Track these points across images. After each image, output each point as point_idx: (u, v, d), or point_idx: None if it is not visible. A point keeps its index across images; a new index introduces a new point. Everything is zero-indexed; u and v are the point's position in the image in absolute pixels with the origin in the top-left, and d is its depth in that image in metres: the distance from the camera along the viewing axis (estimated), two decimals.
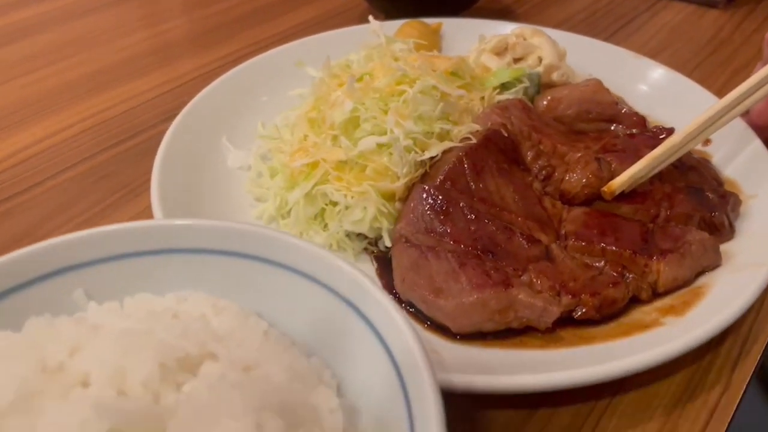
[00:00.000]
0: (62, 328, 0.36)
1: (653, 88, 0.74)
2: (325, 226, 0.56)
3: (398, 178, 0.54)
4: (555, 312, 0.46)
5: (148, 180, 0.59)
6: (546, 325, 0.46)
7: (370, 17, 0.71)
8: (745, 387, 0.48)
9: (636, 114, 0.66)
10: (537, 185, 0.57)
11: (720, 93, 0.64)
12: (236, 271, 0.42)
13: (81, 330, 0.35)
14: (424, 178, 0.55)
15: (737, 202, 0.56)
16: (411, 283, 0.49)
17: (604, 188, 0.55)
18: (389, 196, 0.54)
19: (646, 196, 0.56)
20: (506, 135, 0.58)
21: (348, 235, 0.55)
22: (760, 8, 1.04)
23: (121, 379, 0.32)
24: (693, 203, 0.55)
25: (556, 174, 0.57)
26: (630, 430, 0.45)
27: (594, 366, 0.42)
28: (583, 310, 0.47)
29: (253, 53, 0.79)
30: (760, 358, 0.50)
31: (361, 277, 0.38)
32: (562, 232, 0.53)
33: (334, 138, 0.58)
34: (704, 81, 0.75)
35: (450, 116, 0.59)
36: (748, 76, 0.58)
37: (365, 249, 0.56)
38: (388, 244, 0.54)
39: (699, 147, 0.64)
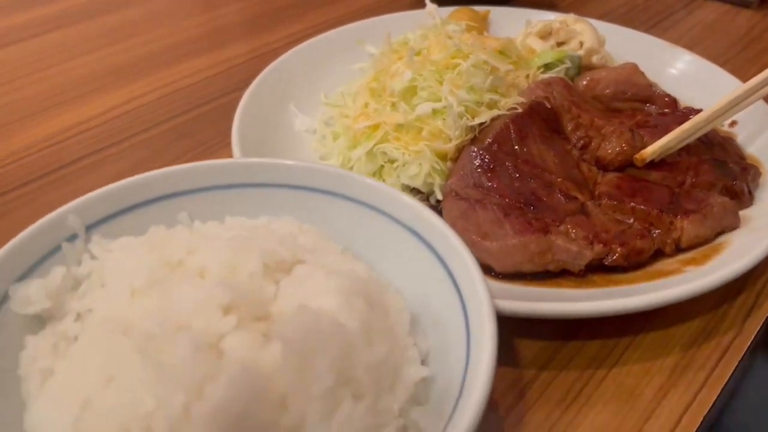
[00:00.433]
0: (179, 234, 0.43)
1: (685, 74, 0.79)
2: (383, 182, 0.63)
3: (450, 140, 0.61)
4: (588, 255, 0.52)
5: (224, 140, 0.66)
6: (579, 267, 0.53)
7: (427, 1, 0.78)
8: (755, 334, 0.54)
9: (668, 95, 0.71)
10: (575, 153, 0.63)
11: None
12: (315, 204, 0.49)
13: (194, 236, 0.43)
14: (473, 141, 0.62)
15: (757, 174, 0.62)
16: (460, 230, 0.55)
17: (636, 156, 0.61)
18: (442, 156, 0.61)
19: (673, 166, 0.62)
20: (549, 107, 0.64)
21: (403, 189, 0.62)
22: None
23: (232, 272, 0.39)
24: (716, 173, 0.60)
25: (593, 144, 0.63)
26: (650, 362, 0.51)
27: (622, 299, 0.48)
28: (613, 257, 0.53)
29: (313, 35, 0.87)
30: None
31: (421, 207, 0.45)
32: (596, 193, 0.59)
33: (393, 104, 0.65)
34: (734, 74, 0.80)
35: (498, 89, 0.65)
36: None
37: None
38: (440, 197, 0.60)
39: (725, 127, 0.70)
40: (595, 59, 0.75)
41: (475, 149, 0.59)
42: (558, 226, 0.54)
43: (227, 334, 0.34)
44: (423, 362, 0.40)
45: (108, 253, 0.43)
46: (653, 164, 0.62)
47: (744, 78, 0.89)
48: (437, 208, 0.61)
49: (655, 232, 0.55)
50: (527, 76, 0.70)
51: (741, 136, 0.69)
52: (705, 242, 0.56)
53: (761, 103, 0.66)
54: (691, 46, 0.97)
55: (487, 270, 0.55)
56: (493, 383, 0.35)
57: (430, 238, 0.44)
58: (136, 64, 0.90)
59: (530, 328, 0.52)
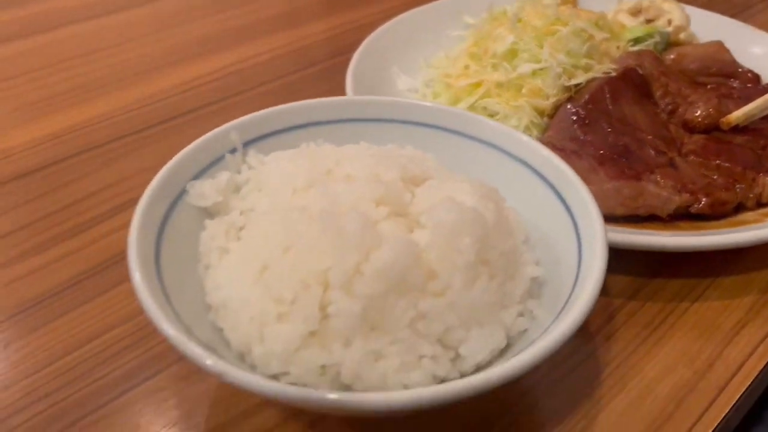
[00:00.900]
0: (325, 149, 0.50)
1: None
2: None
3: (548, 97, 0.67)
4: (676, 201, 0.57)
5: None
6: (668, 212, 0.58)
7: None
8: None
9: (751, 72, 0.75)
10: (663, 116, 0.68)
11: None
12: (434, 140, 0.56)
13: (339, 151, 0.50)
14: (569, 99, 0.68)
15: None
16: None
17: (722, 119, 0.65)
18: (540, 112, 0.67)
19: (756, 132, 0.66)
20: (640, 73, 0.69)
21: None
22: None
23: (376, 178, 0.46)
24: None
25: (680, 109, 0.68)
26: (729, 300, 0.56)
27: (708, 236, 0.53)
28: (699, 206, 0.58)
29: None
30: None
31: (534, 142, 0.51)
32: (683, 151, 0.64)
33: (494, 65, 0.71)
34: None
35: (593, 56, 0.71)
36: None
37: None
38: None
39: None
40: (682, 36, 0.80)
41: (572, 106, 0.65)
42: (649, 174, 0.59)
43: (381, 221, 0.41)
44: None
45: (263, 165, 0.51)
46: (737, 129, 0.66)
47: None
48: None
49: (738, 187, 0.60)
50: (618, 48, 0.76)
51: None
52: None
53: None
54: None
55: None
56: (600, 289, 0.41)
57: (542, 168, 0.50)
58: (252, 26, 0.99)
59: (618, 264, 0.58)
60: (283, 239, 0.40)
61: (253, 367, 0.39)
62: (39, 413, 0.46)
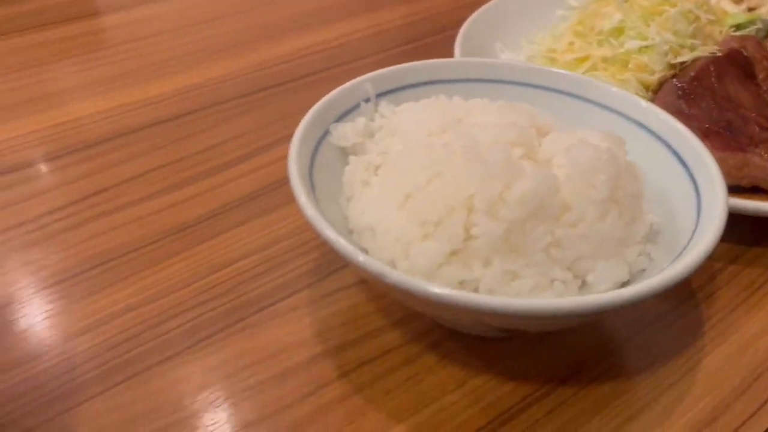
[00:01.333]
0: (456, 101, 0.55)
1: None
2: None
3: (654, 73, 0.70)
4: None
5: None
6: None
7: None
8: None
9: None
10: (767, 97, 0.70)
11: None
12: (552, 102, 0.59)
13: (467, 103, 0.54)
14: (674, 76, 0.70)
15: None
16: None
17: None
18: (645, 86, 0.70)
19: None
20: (745, 55, 0.71)
21: None
22: None
23: (509, 123, 0.50)
24: None
25: None
26: None
27: None
28: None
29: None
30: None
31: (653, 106, 0.55)
32: None
33: (599, 42, 0.74)
34: None
35: (697, 37, 0.73)
36: None
37: None
38: None
39: None
40: None
41: (678, 82, 0.67)
42: (754, 148, 0.62)
43: (518, 160, 0.45)
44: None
45: (394, 114, 0.56)
46: None
47: None
48: None
49: None
50: (720, 32, 0.77)
51: None
52: None
53: None
54: None
55: None
56: (720, 237, 0.44)
57: (659, 129, 0.53)
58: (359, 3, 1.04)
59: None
60: (427, 171, 0.45)
61: None
62: (188, 321, 0.52)
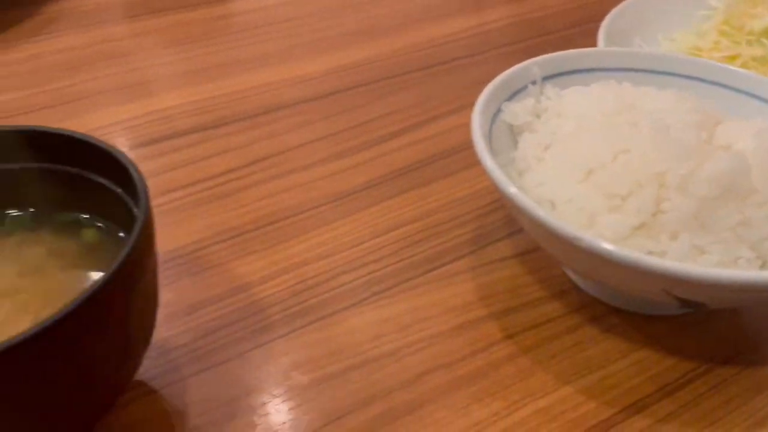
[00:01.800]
0: (625, 86, 0.57)
1: None
2: None
3: None
4: None
5: None
6: None
7: None
8: None
9: None
10: None
11: None
12: (714, 94, 0.60)
13: (638, 90, 0.56)
14: None
15: None
16: None
17: None
18: None
19: None
20: None
21: None
22: None
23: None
24: None
25: None
26: None
27: None
28: None
29: None
30: None
31: None
32: None
33: (749, 41, 0.74)
34: None
35: None
36: None
37: None
38: None
39: None
40: None
41: None
42: None
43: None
44: None
45: (560, 97, 0.58)
46: None
47: None
48: None
49: None
50: None
51: None
52: None
53: None
54: None
55: None
56: None
57: None
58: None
59: None
60: (613, 147, 0.47)
61: None
62: (359, 277, 0.56)
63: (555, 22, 0.99)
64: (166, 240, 0.58)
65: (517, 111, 0.56)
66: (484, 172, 0.51)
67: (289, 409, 0.46)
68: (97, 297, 0.33)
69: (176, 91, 0.79)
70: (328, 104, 0.77)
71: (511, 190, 0.46)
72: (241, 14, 0.98)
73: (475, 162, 0.50)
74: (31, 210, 0.46)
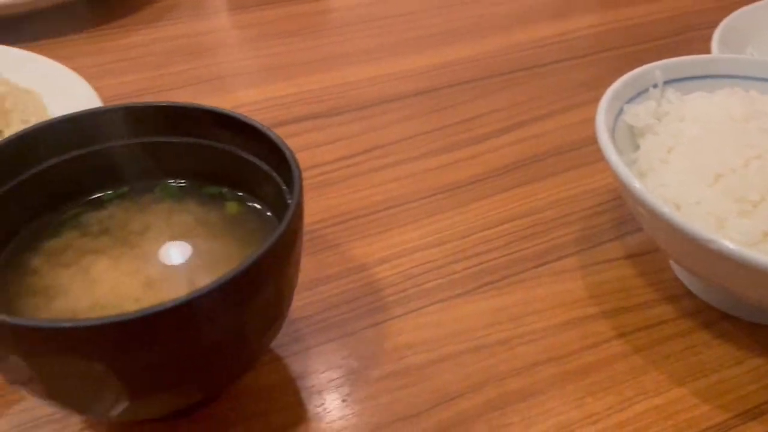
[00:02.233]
0: (753, 95, 0.56)
1: None
2: None
3: None
4: None
5: None
6: None
7: None
8: None
9: None
10: None
11: None
12: None
13: (765, 98, 0.56)
14: None
15: None
16: None
17: None
18: None
19: None
20: None
21: None
22: None
23: None
24: None
25: None
26: None
27: None
28: None
29: None
30: None
31: None
32: None
33: None
34: None
35: None
36: None
37: None
38: None
39: None
40: None
41: None
42: None
43: None
44: None
45: (681, 101, 0.58)
46: None
47: None
48: None
49: None
50: None
51: None
52: None
53: None
54: None
55: None
56: None
57: None
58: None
59: None
60: (744, 153, 0.47)
61: None
62: (471, 267, 0.57)
63: (656, 30, 0.98)
64: None
65: (639, 112, 0.56)
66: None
67: (404, 386, 0.48)
68: (259, 264, 0.36)
69: (291, 80, 0.82)
70: (435, 99, 0.79)
71: (637, 186, 0.46)
72: (349, 9, 1.01)
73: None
74: (181, 181, 0.50)
